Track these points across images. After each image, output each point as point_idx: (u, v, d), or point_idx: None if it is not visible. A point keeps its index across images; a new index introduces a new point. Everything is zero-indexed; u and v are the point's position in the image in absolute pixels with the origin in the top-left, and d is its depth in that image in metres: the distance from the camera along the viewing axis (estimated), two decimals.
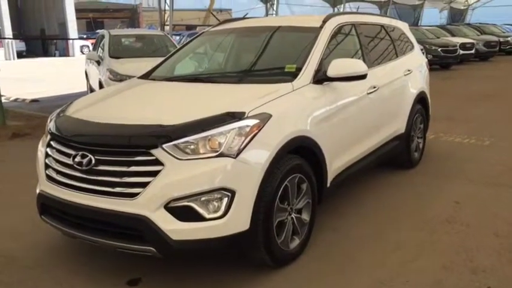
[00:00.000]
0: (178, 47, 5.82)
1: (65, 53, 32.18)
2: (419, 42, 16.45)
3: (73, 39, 27.89)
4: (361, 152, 3.86)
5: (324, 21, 3.78)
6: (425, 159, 5.35)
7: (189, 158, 2.52)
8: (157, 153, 2.51)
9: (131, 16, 49.67)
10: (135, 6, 50.05)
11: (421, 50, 14.99)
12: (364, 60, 4.03)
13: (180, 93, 3.24)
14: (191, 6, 39.77)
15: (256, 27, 4.09)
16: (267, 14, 20.16)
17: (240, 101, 2.87)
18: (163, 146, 2.51)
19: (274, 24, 4.08)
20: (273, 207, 2.75)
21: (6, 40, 27.50)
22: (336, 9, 21.20)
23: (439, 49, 16.75)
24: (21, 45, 32.21)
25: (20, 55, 30.85)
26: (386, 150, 4.45)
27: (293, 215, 3.00)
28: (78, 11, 47.73)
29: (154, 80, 3.68)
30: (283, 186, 2.83)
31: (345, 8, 21.17)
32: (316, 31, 3.65)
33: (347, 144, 3.63)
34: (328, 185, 3.37)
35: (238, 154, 2.56)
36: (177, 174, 2.48)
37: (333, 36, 3.74)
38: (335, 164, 3.45)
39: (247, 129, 2.62)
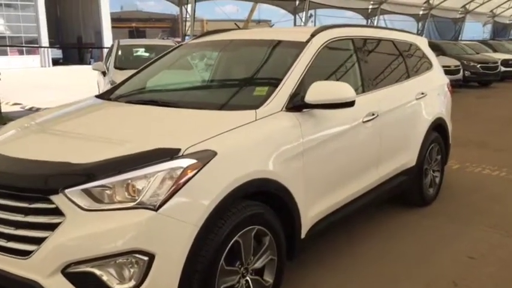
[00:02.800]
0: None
1: (99, 61, 32.61)
2: (457, 57, 15.80)
3: (105, 47, 28.12)
4: (353, 192, 3.21)
5: (313, 35, 3.17)
6: (443, 195, 4.61)
7: (97, 208, 1.97)
8: (58, 200, 1.96)
9: (172, 26, 50.39)
10: (176, 16, 50.88)
11: (458, 66, 14.48)
12: (362, 82, 3.41)
13: (118, 121, 2.68)
14: (232, 17, 39.79)
15: (235, 40, 3.51)
16: (295, 25, 19.63)
17: (179, 133, 2.31)
18: (66, 191, 1.96)
19: (257, 38, 3.50)
20: (215, 271, 2.16)
21: (43, 48, 28.08)
22: (369, 22, 20.43)
23: (478, 65, 15.70)
24: (58, 53, 32.93)
25: (57, 62, 31.49)
26: (391, 188, 3.77)
27: (248, 277, 2.39)
28: (121, 20, 48.81)
29: (109, 100, 3.15)
30: (231, 243, 2.23)
31: (379, 20, 20.35)
32: (300, 47, 3.05)
33: (332, 184, 3.00)
34: (303, 235, 2.74)
35: (161, 205, 1.98)
36: (79, 230, 1.93)
37: (322, 53, 3.12)
38: (314, 210, 2.82)
39: (179, 171, 2.05)
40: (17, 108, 11.62)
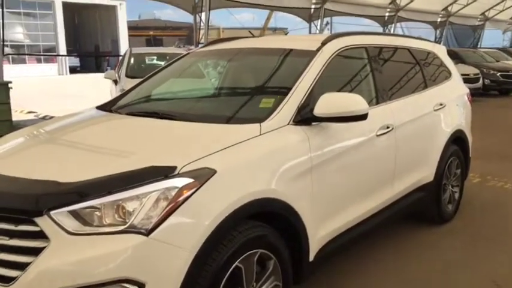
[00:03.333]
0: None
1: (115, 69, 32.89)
2: (476, 65, 15.44)
3: (121, 55, 28.34)
4: (366, 211, 3.00)
5: (324, 43, 2.99)
6: (463, 211, 4.36)
7: (84, 232, 1.81)
8: (42, 222, 1.81)
9: (188, 34, 50.66)
10: (192, 24, 51.09)
11: (477, 74, 14.12)
12: (376, 93, 3.22)
13: (113, 136, 2.51)
14: (248, 25, 39.81)
15: (242, 49, 3.35)
16: (310, 33, 19.41)
17: (176, 150, 2.14)
18: (51, 213, 1.81)
19: (266, 46, 3.33)
20: None
21: (60, 56, 28.44)
22: (386, 29, 20.11)
23: (498, 73, 15.32)
24: (76, 61, 33.31)
25: (74, 70, 31.84)
26: (407, 205, 3.56)
27: None
28: (139, 28, 49.22)
29: (110, 111, 3.02)
30: (232, 269, 2.06)
31: (396, 28, 20.02)
32: (310, 55, 2.87)
33: (343, 202, 2.80)
34: (312, 258, 2.55)
35: (153, 229, 1.82)
36: (64, 256, 1.77)
37: (333, 62, 2.94)
38: (323, 230, 2.63)
39: (174, 192, 1.88)
40: (31, 116, 11.67)
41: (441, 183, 3.94)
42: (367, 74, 3.26)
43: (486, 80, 15.07)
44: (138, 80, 8.00)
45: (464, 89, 4.54)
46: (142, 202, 1.84)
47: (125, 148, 2.22)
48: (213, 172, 1.99)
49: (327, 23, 30.77)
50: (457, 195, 4.29)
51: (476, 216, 4.32)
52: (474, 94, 13.96)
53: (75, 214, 1.82)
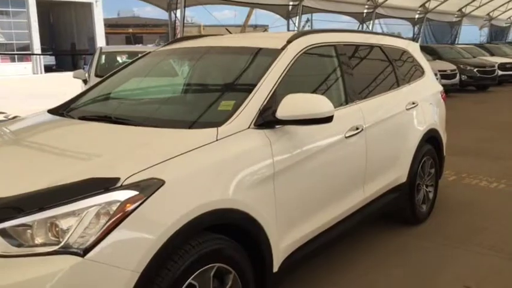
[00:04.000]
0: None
1: None
2: (453, 61, 15.49)
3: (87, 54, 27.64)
4: (335, 216, 2.87)
5: (289, 41, 2.85)
6: (437, 211, 4.28)
7: (13, 253, 1.63)
8: None
9: (168, 31, 50.02)
10: (173, 22, 50.62)
11: (454, 70, 14.17)
12: (345, 93, 3.09)
13: (57, 144, 2.31)
14: (230, 22, 39.44)
15: (205, 48, 3.18)
16: (288, 30, 19.31)
17: (122, 159, 1.97)
18: None
19: (229, 45, 3.17)
20: None
21: (35, 55, 27.76)
22: (364, 26, 20.12)
23: (475, 69, 15.44)
24: (51, 59, 32.56)
25: (50, 69, 31.12)
26: (380, 206, 3.45)
27: None
28: (118, 26, 48.37)
29: (62, 115, 2.81)
30: (185, 286, 1.90)
31: (374, 25, 20.07)
32: (274, 54, 2.72)
33: (310, 209, 2.66)
34: (276, 269, 2.41)
35: (90, 248, 1.65)
36: None
37: (299, 61, 2.80)
38: (289, 239, 2.49)
39: (115, 206, 1.71)
40: (0, 117, 11.28)
41: (415, 183, 3.85)
42: (336, 73, 3.13)
43: (463, 76, 15.17)
44: None
45: (437, 87, 4.45)
46: (79, 219, 1.67)
47: (66, 158, 2.04)
48: (161, 183, 1.83)
49: (308, 20, 30.71)
50: (431, 195, 4.20)
51: (450, 215, 4.23)
52: (451, 90, 14.17)
53: (3, 233, 1.64)
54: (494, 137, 7.98)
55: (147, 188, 1.78)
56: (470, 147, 7.13)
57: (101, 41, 31.13)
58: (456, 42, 26.85)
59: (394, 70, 3.81)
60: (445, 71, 13.75)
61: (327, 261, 3.27)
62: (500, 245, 3.59)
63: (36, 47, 28.17)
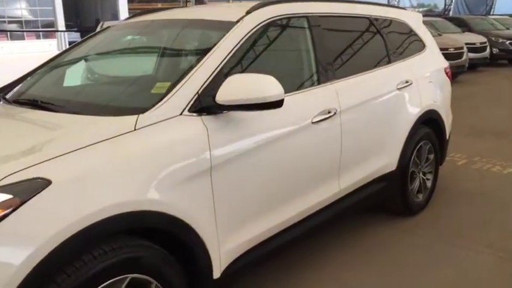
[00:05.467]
0: None
1: None
2: (484, 33, 14.50)
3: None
4: (298, 213, 2.54)
5: (248, 12, 2.48)
6: (437, 200, 3.89)
7: None
8: None
9: (199, 5, 49.38)
10: None
11: (484, 43, 13.26)
12: (317, 71, 2.71)
13: None
14: None
15: (157, 22, 2.83)
16: None
17: (6, 154, 1.69)
18: None
19: (182, 17, 2.81)
20: None
21: (59, 32, 27.88)
22: None
23: (507, 42, 14.46)
24: (76, 36, 32.66)
25: None
26: (362, 198, 3.10)
27: None
28: (147, 1, 48.06)
29: (5, 99, 2.55)
30: None
31: None
32: (226, 28, 2.37)
33: (263, 207, 2.34)
34: (218, 275, 2.12)
35: None
36: None
37: (259, 35, 2.45)
38: (234, 242, 2.19)
39: None
40: None
41: (407, 171, 3.46)
42: (306, 50, 2.75)
43: (494, 49, 14.25)
44: None
45: (441, 63, 3.98)
46: None
47: None
48: (46, 183, 1.54)
49: None
50: (429, 183, 3.81)
51: (450, 206, 3.83)
52: (481, 64, 13.33)
53: None
54: None
55: (25, 190, 1.51)
56: (489, 127, 6.59)
57: (124, 16, 30.99)
58: (492, 13, 25.38)
59: (386, 45, 3.38)
60: (473, 43, 12.88)
61: (298, 255, 2.97)
62: (501, 243, 3.19)
63: (61, 23, 28.25)
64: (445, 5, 23.00)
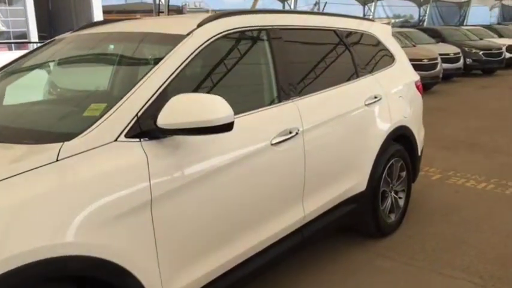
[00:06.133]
0: None
1: None
2: (458, 44, 14.64)
3: None
4: (256, 243, 2.32)
5: (200, 25, 2.28)
6: (410, 219, 3.72)
7: None
8: None
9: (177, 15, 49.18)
10: (180, 8, 50.01)
11: (458, 53, 13.35)
12: (277, 89, 2.52)
13: None
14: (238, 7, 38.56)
15: (104, 35, 2.60)
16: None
17: None
18: None
19: (130, 30, 2.59)
20: None
21: (31, 43, 27.30)
22: (366, 9, 19.25)
23: (481, 52, 14.63)
24: None
25: None
26: (331, 221, 2.90)
27: None
28: (126, 12, 47.64)
29: None
30: None
31: (376, 6, 19.13)
32: (175, 42, 2.16)
33: (216, 240, 2.11)
34: None
35: None
36: None
37: (211, 50, 2.24)
38: (181, 282, 1.95)
39: None
40: None
41: (378, 191, 3.28)
42: (265, 65, 2.55)
43: (468, 60, 14.39)
44: None
45: (411, 76, 3.84)
46: None
47: None
48: None
49: (316, 3, 29.65)
50: (402, 202, 3.63)
51: (424, 225, 3.66)
52: (455, 74, 13.41)
53: None
54: (494, 127, 7.33)
55: None
56: (464, 139, 6.51)
57: None
58: (465, 24, 25.83)
59: (353, 58, 3.21)
60: (447, 54, 12.96)
61: (261, 279, 2.74)
62: (477, 266, 3.03)
63: (34, 34, 27.61)
64: (419, 15, 23.29)
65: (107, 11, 38.79)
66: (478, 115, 8.36)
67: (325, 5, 15.44)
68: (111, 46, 2.50)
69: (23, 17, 28.14)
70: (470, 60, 14.49)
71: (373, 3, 18.84)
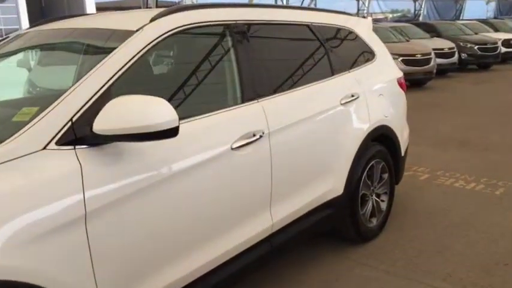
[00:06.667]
0: None
1: None
2: (453, 39, 14.49)
3: None
4: (221, 253, 2.14)
5: (153, 19, 2.09)
6: (393, 223, 3.55)
7: None
8: None
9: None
10: (176, 3, 49.89)
11: (452, 48, 13.16)
12: (241, 88, 2.33)
13: None
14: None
15: (52, 32, 2.38)
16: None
17: None
18: None
19: (82, 26, 2.39)
20: None
21: None
22: (360, 4, 19.02)
23: (476, 47, 14.45)
24: None
25: None
26: (304, 228, 2.73)
27: None
28: (123, 8, 47.35)
29: None
30: None
31: (371, 1, 18.87)
32: (123, 38, 1.97)
33: (165, 255, 1.93)
34: None
35: None
36: None
37: (163, 48, 2.06)
38: None
39: None
40: None
41: (357, 194, 3.11)
42: (227, 63, 2.37)
43: (463, 54, 14.22)
44: None
45: (394, 73, 3.66)
46: None
47: None
48: None
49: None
50: (384, 206, 3.46)
51: (407, 230, 3.49)
52: (450, 70, 13.23)
53: None
54: (486, 123, 7.16)
55: None
56: (455, 136, 6.34)
57: None
58: (461, 18, 25.62)
59: (328, 55, 3.03)
60: (442, 49, 12.79)
61: None
62: (460, 274, 2.85)
63: None
64: (415, 10, 23.06)
65: (101, 7, 38.59)
66: (471, 111, 8.19)
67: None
68: (57, 44, 2.31)
69: (15, 14, 28.00)
70: (466, 55, 14.32)
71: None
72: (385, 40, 11.48)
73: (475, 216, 3.71)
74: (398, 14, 28.40)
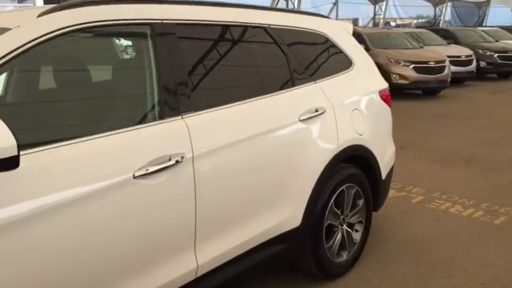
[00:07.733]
0: None
1: None
2: (471, 46, 13.83)
3: None
4: None
5: (41, 15, 1.70)
6: (372, 254, 3.10)
7: None
8: None
9: None
10: None
11: (470, 56, 12.50)
12: (160, 102, 1.92)
13: None
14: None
15: None
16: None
17: None
18: None
19: None
20: None
21: None
22: (377, 8, 18.39)
23: (495, 55, 13.74)
24: None
25: None
26: (245, 269, 2.29)
27: None
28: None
29: None
30: None
31: (388, 5, 18.21)
32: None
33: None
34: None
35: None
36: None
37: (50, 51, 1.66)
38: None
39: None
40: None
41: (321, 225, 2.66)
42: (141, 71, 1.95)
43: (482, 62, 13.55)
44: None
45: (375, 85, 3.18)
46: None
47: None
48: None
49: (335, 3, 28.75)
50: (358, 236, 2.99)
51: (385, 264, 3.02)
52: (467, 78, 12.57)
53: None
54: (498, 139, 6.57)
55: None
56: (460, 152, 5.80)
57: None
58: (484, 25, 24.73)
59: (288, 63, 2.58)
60: (458, 56, 12.15)
61: None
62: None
63: None
64: (435, 16, 22.29)
65: None
66: (483, 124, 7.60)
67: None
68: None
69: (32, 3, 28.21)
70: (485, 63, 13.64)
71: (384, 2, 17.98)
72: (396, 46, 11.13)
73: (467, 251, 3.21)
74: (423, 20, 27.63)
